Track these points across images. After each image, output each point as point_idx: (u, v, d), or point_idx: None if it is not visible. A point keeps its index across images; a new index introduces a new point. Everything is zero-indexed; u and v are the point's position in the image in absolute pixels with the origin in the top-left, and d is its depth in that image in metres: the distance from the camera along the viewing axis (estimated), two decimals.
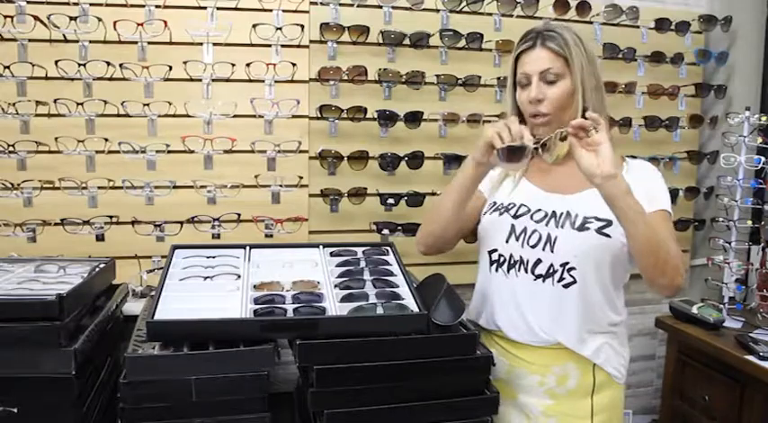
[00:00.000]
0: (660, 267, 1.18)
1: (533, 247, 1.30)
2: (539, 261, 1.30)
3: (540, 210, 1.33)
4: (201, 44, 1.85)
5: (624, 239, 1.23)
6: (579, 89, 1.28)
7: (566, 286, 1.28)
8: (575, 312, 1.29)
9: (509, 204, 1.37)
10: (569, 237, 1.27)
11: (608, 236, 1.26)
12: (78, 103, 1.77)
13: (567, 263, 1.28)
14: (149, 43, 1.81)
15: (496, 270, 1.37)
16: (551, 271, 1.29)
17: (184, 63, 1.81)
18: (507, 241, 1.34)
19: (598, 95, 1.31)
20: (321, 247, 1.55)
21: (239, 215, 1.91)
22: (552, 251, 1.28)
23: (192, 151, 1.87)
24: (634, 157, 2.21)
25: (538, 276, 1.30)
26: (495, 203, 1.40)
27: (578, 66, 1.27)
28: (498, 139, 1.19)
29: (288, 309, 1.20)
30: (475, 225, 1.45)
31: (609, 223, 1.25)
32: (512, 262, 1.33)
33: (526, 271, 1.31)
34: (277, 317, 1.17)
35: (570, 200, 1.31)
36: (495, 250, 1.37)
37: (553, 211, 1.31)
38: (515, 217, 1.34)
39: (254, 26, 1.85)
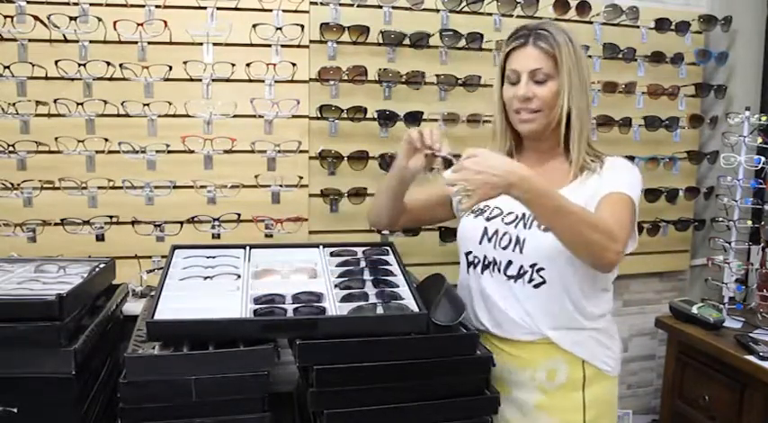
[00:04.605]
0: (584, 251, 1.19)
1: (504, 248, 1.34)
2: (510, 262, 1.34)
3: (511, 212, 1.35)
4: (201, 44, 1.84)
5: None
6: (565, 91, 1.29)
7: (536, 286, 1.31)
8: (547, 311, 1.31)
9: (484, 206, 1.40)
10: (536, 238, 1.30)
11: None
12: (78, 103, 1.77)
13: (535, 264, 1.31)
14: (149, 43, 1.81)
15: (473, 270, 1.41)
16: (522, 272, 1.32)
17: (184, 63, 1.81)
18: (480, 243, 1.37)
19: (582, 96, 1.32)
20: (321, 247, 1.55)
21: (239, 215, 1.91)
22: (521, 252, 1.32)
23: (192, 151, 1.87)
24: (632, 157, 2.23)
25: (510, 277, 1.34)
26: None
27: (567, 68, 1.29)
28: (420, 141, 1.30)
29: (288, 309, 1.20)
30: (431, 213, 1.57)
31: None
32: (486, 263, 1.37)
33: (499, 272, 1.35)
34: (277, 317, 1.18)
35: None
36: (471, 252, 1.41)
37: (523, 213, 1.33)
38: (488, 219, 1.38)
39: (254, 26, 1.85)
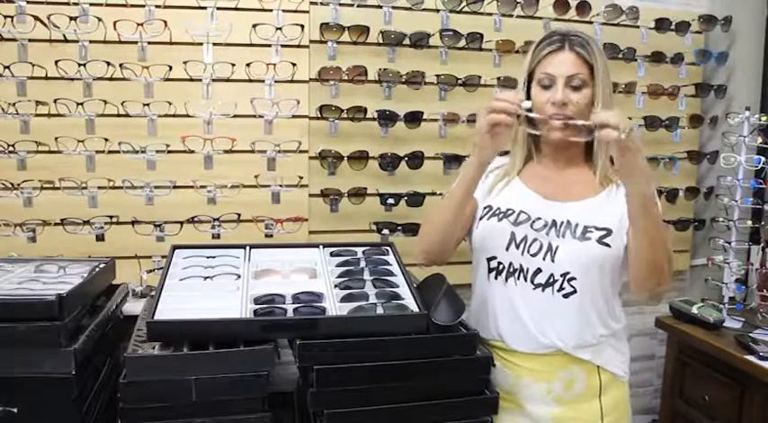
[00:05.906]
0: (654, 272, 1.21)
1: (534, 255, 1.29)
2: (539, 270, 1.28)
3: (539, 218, 1.30)
4: (201, 44, 1.85)
5: (623, 248, 1.25)
6: (599, 100, 1.26)
7: (565, 296, 1.27)
8: (574, 322, 1.28)
9: (507, 210, 1.33)
10: (570, 247, 1.26)
11: (608, 246, 1.25)
12: (78, 103, 1.77)
13: (567, 273, 1.27)
14: (149, 43, 1.81)
15: (495, 278, 1.34)
16: (551, 280, 1.28)
17: (184, 63, 1.81)
18: (507, 249, 1.31)
19: (610, 105, 1.29)
20: (321, 247, 1.55)
21: (239, 215, 1.91)
22: (553, 261, 1.27)
23: (192, 151, 1.87)
24: None
25: (537, 285, 1.29)
26: (491, 208, 1.35)
27: (601, 76, 1.26)
28: (502, 113, 1.14)
29: (288, 309, 1.20)
30: (467, 230, 1.41)
31: (609, 233, 1.26)
32: (511, 270, 1.31)
33: (525, 279, 1.30)
34: (277, 317, 1.17)
35: (570, 208, 1.30)
36: (495, 258, 1.33)
37: (553, 220, 1.29)
38: (515, 224, 1.31)
39: (254, 26, 1.85)
